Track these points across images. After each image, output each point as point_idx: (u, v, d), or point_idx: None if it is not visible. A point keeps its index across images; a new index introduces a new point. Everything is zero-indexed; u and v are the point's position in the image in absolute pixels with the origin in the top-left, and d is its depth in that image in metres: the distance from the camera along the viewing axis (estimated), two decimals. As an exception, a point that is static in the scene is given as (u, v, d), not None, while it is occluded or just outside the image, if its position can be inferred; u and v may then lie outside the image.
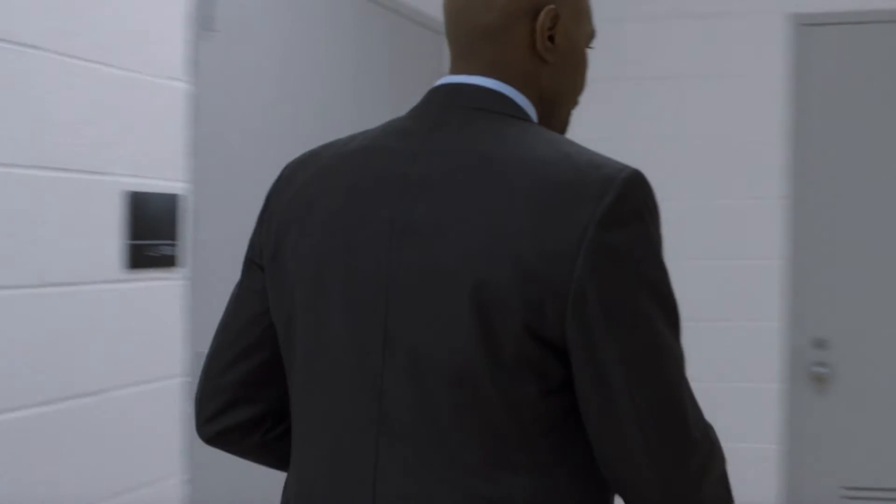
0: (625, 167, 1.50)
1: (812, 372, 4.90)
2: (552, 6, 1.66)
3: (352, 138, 1.72)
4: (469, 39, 1.68)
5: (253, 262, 1.77)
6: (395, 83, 4.50)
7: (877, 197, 4.91)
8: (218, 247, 3.41)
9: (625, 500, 1.51)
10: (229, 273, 3.45)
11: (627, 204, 1.46)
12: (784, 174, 5.01)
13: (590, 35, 1.75)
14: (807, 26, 4.97)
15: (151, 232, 3.05)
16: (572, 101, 1.76)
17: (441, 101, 1.65)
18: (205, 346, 3.34)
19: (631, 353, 1.44)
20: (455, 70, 1.70)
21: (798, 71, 5.02)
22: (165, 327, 3.11)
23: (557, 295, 1.44)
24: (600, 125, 5.24)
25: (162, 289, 3.09)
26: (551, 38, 1.68)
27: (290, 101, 3.76)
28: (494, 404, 1.48)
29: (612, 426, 1.46)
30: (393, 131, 1.66)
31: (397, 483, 1.52)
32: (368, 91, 4.28)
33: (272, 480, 3.68)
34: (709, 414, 5.05)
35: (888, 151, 4.93)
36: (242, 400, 1.77)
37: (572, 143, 1.56)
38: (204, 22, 3.30)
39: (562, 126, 1.76)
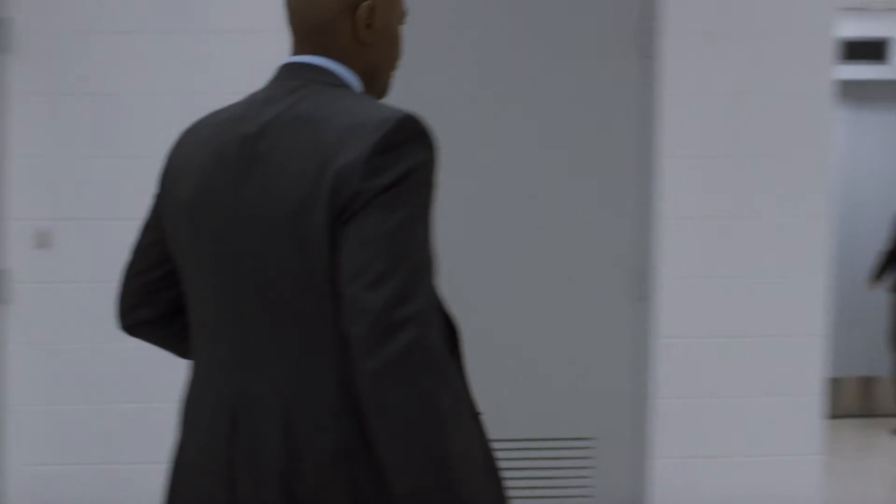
0: (400, 110, 2.02)
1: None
2: (369, 1, 2.18)
3: (229, 106, 2.26)
4: (304, 30, 2.21)
5: (153, 203, 2.36)
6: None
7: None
8: None
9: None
10: None
11: (397, 134, 1.98)
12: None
13: (402, 15, 2.28)
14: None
15: None
16: (390, 70, 2.28)
17: (281, 76, 2.20)
18: None
19: (391, 234, 1.92)
20: (295, 52, 2.23)
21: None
22: None
23: (342, 207, 1.96)
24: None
25: None
26: (369, 26, 2.19)
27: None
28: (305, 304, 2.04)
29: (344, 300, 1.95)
30: (247, 101, 2.20)
31: (238, 378, 2.12)
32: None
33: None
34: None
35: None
36: (144, 303, 2.38)
37: (373, 101, 2.09)
38: None
39: (383, 89, 2.29)
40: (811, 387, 5.03)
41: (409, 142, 1.99)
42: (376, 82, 2.27)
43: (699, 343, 5.06)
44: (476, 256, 5.06)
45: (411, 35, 4.91)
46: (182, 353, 2.46)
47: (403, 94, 4.89)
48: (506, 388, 5.10)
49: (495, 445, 5.09)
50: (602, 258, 5.10)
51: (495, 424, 5.11)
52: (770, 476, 5.03)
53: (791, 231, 5.01)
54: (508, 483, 5.14)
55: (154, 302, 2.38)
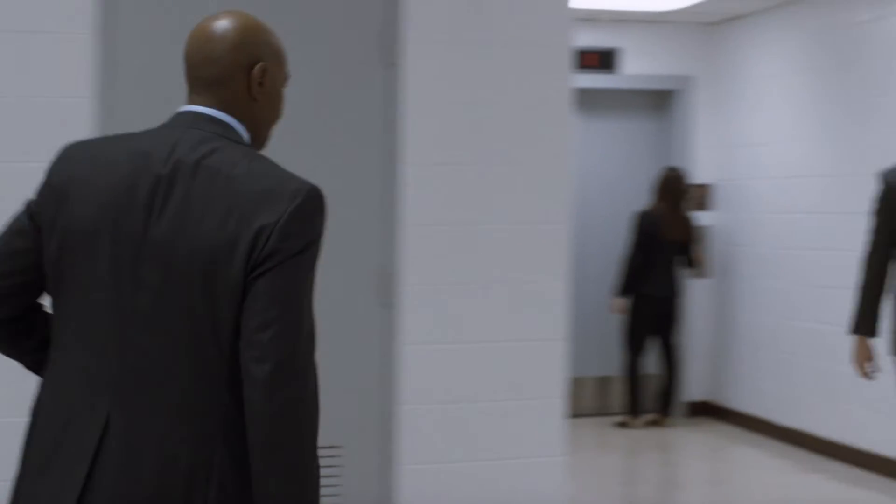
0: (308, 182, 2.37)
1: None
2: (263, 62, 2.48)
3: (126, 136, 2.46)
4: (203, 83, 2.48)
5: (30, 211, 2.46)
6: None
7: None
8: None
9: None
10: None
11: (308, 206, 2.34)
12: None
13: (285, 77, 2.58)
14: None
15: None
16: (271, 126, 2.58)
17: (185, 122, 2.45)
18: None
19: (296, 297, 2.31)
20: (193, 102, 2.49)
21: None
22: None
23: (255, 262, 2.29)
24: None
25: None
26: (261, 84, 2.49)
27: None
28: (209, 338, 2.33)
29: (248, 338, 2.30)
30: (152, 138, 2.43)
31: (118, 398, 2.35)
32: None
33: None
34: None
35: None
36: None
37: (279, 166, 2.41)
38: None
39: (263, 141, 2.58)
40: (554, 389, 5.14)
41: (317, 213, 2.37)
42: (259, 135, 2.56)
43: (445, 349, 5.11)
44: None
45: (155, 39, 4.79)
46: (30, 363, 2.58)
47: (145, 99, 4.77)
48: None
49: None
50: (348, 264, 5.09)
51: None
52: (518, 478, 5.11)
53: (531, 237, 5.11)
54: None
55: (8, 304, 2.50)
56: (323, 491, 5.15)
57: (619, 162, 10.00)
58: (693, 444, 8.96)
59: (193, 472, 2.31)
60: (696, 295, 9.72)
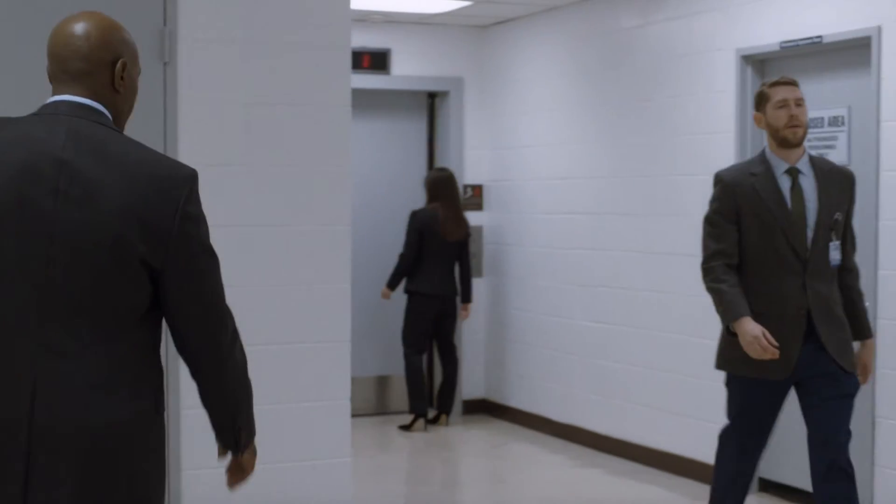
0: (190, 168, 2.87)
1: None
2: (123, 58, 2.87)
3: (11, 121, 2.83)
4: (71, 75, 2.84)
5: None
6: None
7: None
8: None
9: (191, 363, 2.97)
10: None
11: (194, 185, 2.83)
12: None
13: (139, 71, 2.98)
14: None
15: None
16: (128, 114, 2.99)
17: (63, 110, 2.82)
18: None
19: (199, 272, 2.84)
20: (61, 92, 2.85)
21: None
22: None
23: (163, 241, 2.74)
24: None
25: None
26: (122, 77, 2.88)
27: None
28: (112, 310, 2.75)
29: (187, 313, 2.86)
30: (42, 123, 2.79)
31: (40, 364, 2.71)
32: None
33: None
34: None
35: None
36: None
37: (146, 147, 2.88)
38: None
39: (122, 128, 2.94)
40: (339, 391, 5.10)
41: (197, 193, 2.84)
42: (120, 124, 2.94)
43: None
44: None
45: None
46: None
47: None
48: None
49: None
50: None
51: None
52: (303, 481, 5.06)
53: (313, 240, 5.05)
54: None
55: None
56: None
57: (391, 163, 10.03)
58: (472, 442, 9.05)
59: (115, 418, 2.75)
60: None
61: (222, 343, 2.91)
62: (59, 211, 2.69)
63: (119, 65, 2.87)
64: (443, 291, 9.20)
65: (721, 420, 7.23)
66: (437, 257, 9.13)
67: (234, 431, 3.02)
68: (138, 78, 2.98)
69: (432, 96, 9.94)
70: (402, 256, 9.17)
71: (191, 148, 4.95)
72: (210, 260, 2.87)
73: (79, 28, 2.85)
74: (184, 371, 5.04)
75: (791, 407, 6.87)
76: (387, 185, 9.83)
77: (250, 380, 3.03)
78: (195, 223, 2.81)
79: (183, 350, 2.94)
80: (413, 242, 9.11)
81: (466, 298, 9.32)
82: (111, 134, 2.83)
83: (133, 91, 2.96)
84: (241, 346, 2.98)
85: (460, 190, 9.36)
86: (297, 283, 5.02)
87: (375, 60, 9.43)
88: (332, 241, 5.07)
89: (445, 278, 9.21)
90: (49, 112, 2.82)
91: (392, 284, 9.23)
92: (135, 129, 4.86)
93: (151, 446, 2.87)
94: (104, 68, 2.86)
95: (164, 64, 4.94)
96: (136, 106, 4.86)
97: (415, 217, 9.16)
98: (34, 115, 2.85)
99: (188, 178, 2.82)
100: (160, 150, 4.91)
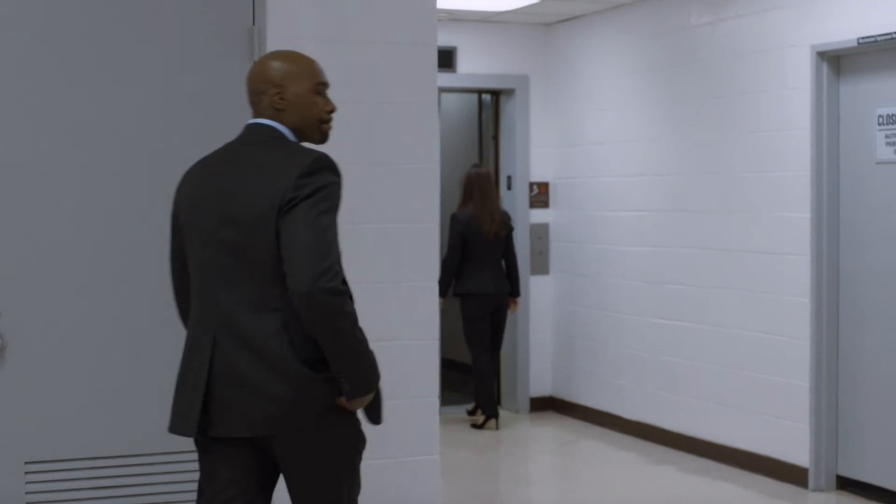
0: (317, 152, 3.59)
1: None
2: (275, 85, 3.69)
3: (217, 151, 3.82)
4: (250, 101, 3.77)
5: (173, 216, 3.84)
6: None
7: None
8: None
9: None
10: None
11: (314, 165, 3.52)
12: None
13: (312, 87, 3.72)
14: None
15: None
16: (314, 126, 3.74)
17: (250, 130, 3.76)
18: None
19: (312, 221, 3.45)
20: (253, 116, 3.77)
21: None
22: None
23: (283, 203, 3.48)
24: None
25: None
26: (282, 99, 3.68)
27: None
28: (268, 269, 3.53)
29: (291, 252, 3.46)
30: (228, 147, 3.79)
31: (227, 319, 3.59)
32: None
33: None
34: None
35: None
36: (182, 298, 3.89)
37: (300, 147, 3.69)
38: None
39: (315, 137, 3.77)
40: (428, 388, 5.11)
41: (320, 171, 3.53)
42: (306, 132, 3.73)
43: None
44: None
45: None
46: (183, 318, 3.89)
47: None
48: (135, 400, 4.87)
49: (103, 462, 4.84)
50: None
51: (123, 439, 4.84)
52: (392, 478, 5.03)
53: (401, 238, 5.06)
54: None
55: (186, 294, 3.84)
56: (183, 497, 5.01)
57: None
58: (541, 440, 9.05)
59: (269, 369, 3.51)
60: (537, 292, 9.81)
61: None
62: (219, 210, 3.64)
63: (271, 91, 3.68)
64: (495, 289, 9.09)
65: (796, 416, 7.23)
66: (483, 256, 9.00)
67: (336, 375, 3.53)
68: (313, 93, 3.71)
69: (496, 94, 9.95)
70: (446, 261, 8.93)
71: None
72: (320, 213, 3.56)
73: (254, 68, 3.82)
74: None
75: (870, 403, 6.85)
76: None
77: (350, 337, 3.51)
78: (305, 190, 3.50)
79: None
80: (456, 245, 8.99)
81: (515, 293, 9.26)
82: (276, 143, 3.68)
83: (300, 106, 3.69)
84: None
85: (493, 184, 9.26)
86: (386, 281, 5.02)
87: (441, 59, 9.44)
88: (420, 240, 5.07)
89: (496, 276, 9.11)
90: (242, 135, 3.79)
91: (442, 293, 9.08)
92: (223, 126, 4.88)
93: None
94: (263, 95, 3.71)
95: (252, 28, 4.95)
96: (227, 103, 4.89)
97: (455, 220, 9.04)
98: (235, 140, 3.83)
99: (304, 159, 3.57)
100: (245, 115, 4.89)
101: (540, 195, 9.79)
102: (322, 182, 3.47)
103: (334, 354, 3.48)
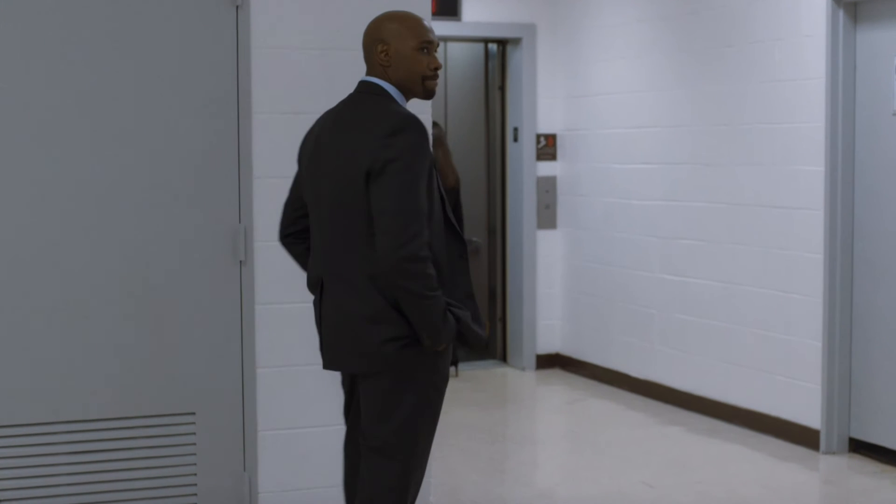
0: (403, 112, 3.85)
1: None
2: (382, 42, 3.93)
3: (337, 105, 4.05)
4: (366, 57, 4.01)
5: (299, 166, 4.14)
6: None
7: None
8: None
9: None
10: None
11: (397, 126, 3.78)
12: None
13: (418, 44, 3.93)
14: None
15: None
16: (418, 80, 3.95)
17: (359, 87, 4.00)
18: None
19: (397, 189, 3.75)
20: (367, 73, 4.01)
21: None
22: None
23: (371, 164, 3.77)
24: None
25: None
26: (386, 55, 3.93)
27: None
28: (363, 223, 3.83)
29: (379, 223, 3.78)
30: (343, 102, 4.03)
31: (331, 262, 3.94)
32: None
33: None
34: None
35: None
36: (292, 224, 4.16)
37: (394, 105, 3.91)
38: None
39: (420, 92, 3.98)
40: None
41: (405, 130, 3.77)
42: (411, 89, 3.96)
43: (296, 308, 4.85)
44: (76, 223, 4.64)
45: None
46: (304, 266, 4.14)
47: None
48: (91, 364, 4.72)
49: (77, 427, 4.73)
50: (199, 220, 4.78)
51: (79, 404, 4.72)
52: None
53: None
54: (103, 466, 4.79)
55: (296, 224, 4.13)
56: (176, 461, 4.89)
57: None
58: (548, 398, 8.86)
59: (363, 304, 3.85)
60: (544, 246, 9.58)
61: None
62: (321, 164, 3.98)
63: (377, 48, 3.93)
64: None
65: (808, 377, 7.02)
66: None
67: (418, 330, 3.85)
68: (417, 50, 3.92)
69: (503, 43, 9.67)
70: None
71: (264, 97, 4.75)
72: (408, 181, 3.83)
73: (366, 27, 4.04)
74: (259, 331, 4.90)
75: (885, 363, 6.63)
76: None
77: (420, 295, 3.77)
78: (391, 152, 3.78)
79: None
80: None
81: None
82: (374, 100, 3.93)
83: (407, 63, 3.92)
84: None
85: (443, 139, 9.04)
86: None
87: (445, 6, 9.18)
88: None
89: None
90: (354, 92, 4.04)
91: None
92: (201, 78, 4.71)
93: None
94: (371, 52, 3.97)
95: (237, 7, 4.75)
96: (202, 52, 4.72)
97: None
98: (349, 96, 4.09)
99: (390, 118, 3.84)
100: (233, 100, 4.76)
101: (547, 147, 9.54)
102: (406, 144, 3.75)
103: (409, 314, 3.79)
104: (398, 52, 3.91)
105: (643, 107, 8.55)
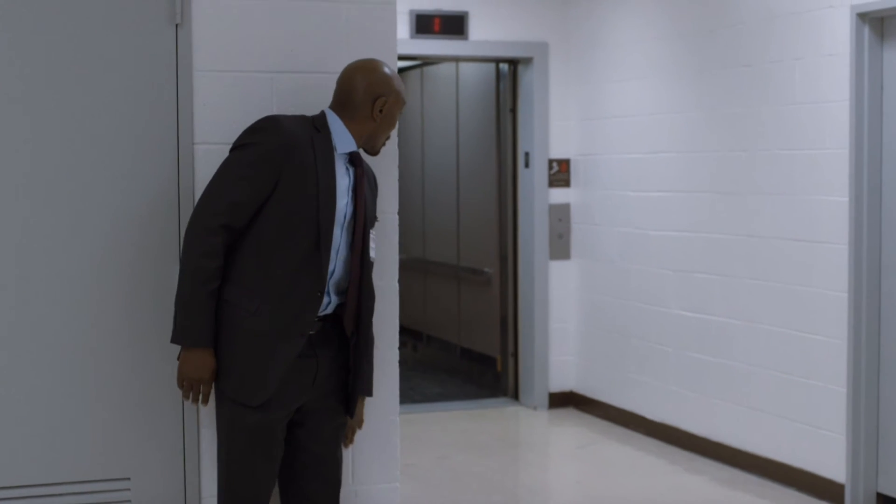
0: (276, 116, 4.05)
1: None
2: (383, 97, 4.00)
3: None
4: (338, 99, 4.07)
5: None
6: None
7: None
8: None
9: None
10: None
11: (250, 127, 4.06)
12: None
13: (402, 105, 4.07)
14: None
15: None
16: (381, 142, 4.10)
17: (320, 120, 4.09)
18: None
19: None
20: (332, 106, 4.10)
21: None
22: None
23: None
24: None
25: None
26: (381, 111, 4.00)
27: None
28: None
29: None
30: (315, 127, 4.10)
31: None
32: None
33: None
34: None
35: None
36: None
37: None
38: None
39: (376, 149, 4.10)
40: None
41: (249, 132, 3.96)
42: (373, 145, 4.06)
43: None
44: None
45: None
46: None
47: None
48: (18, 427, 4.25)
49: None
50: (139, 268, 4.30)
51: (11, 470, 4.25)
52: None
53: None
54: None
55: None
56: None
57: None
58: (558, 442, 8.34)
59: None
60: (557, 278, 9.05)
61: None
62: None
63: (379, 103, 3.99)
64: None
65: (831, 425, 6.44)
66: None
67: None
68: (400, 111, 4.10)
69: (513, 63, 9.16)
70: None
71: (207, 120, 4.29)
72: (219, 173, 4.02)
73: (355, 69, 4.07)
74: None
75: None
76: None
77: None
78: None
79: None
80: None
81: None
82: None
83: (389, 122, 4.08)
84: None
85: None
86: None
87: (449, 24, 8.68)
88: (380, 231, 4.37)
89: None
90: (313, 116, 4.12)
91: None
92: (143, 100, 4.24)
93: None
94: (365, 104, 4.01)
95: (177, 26, 4.28)
96: (146, 76, 4.27)
97: None
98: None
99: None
100: (172, 124, 4.28)
101: (560, 173, 9.00)
102: (240, 142, 3.98)
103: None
104: (390, 111, 4.01)
105: (659, 130, 8.01)
